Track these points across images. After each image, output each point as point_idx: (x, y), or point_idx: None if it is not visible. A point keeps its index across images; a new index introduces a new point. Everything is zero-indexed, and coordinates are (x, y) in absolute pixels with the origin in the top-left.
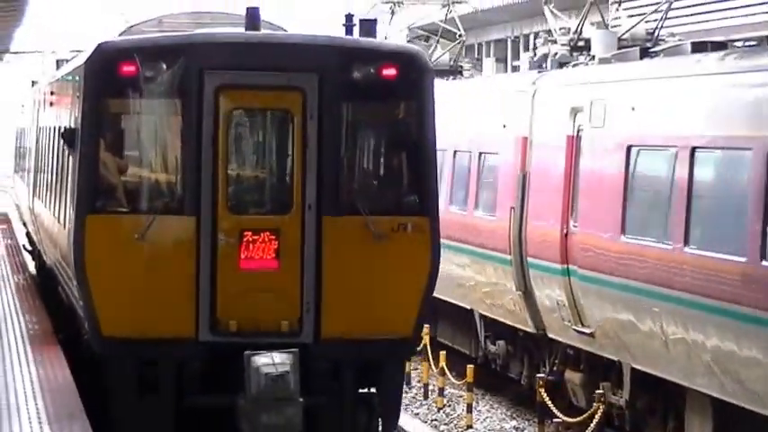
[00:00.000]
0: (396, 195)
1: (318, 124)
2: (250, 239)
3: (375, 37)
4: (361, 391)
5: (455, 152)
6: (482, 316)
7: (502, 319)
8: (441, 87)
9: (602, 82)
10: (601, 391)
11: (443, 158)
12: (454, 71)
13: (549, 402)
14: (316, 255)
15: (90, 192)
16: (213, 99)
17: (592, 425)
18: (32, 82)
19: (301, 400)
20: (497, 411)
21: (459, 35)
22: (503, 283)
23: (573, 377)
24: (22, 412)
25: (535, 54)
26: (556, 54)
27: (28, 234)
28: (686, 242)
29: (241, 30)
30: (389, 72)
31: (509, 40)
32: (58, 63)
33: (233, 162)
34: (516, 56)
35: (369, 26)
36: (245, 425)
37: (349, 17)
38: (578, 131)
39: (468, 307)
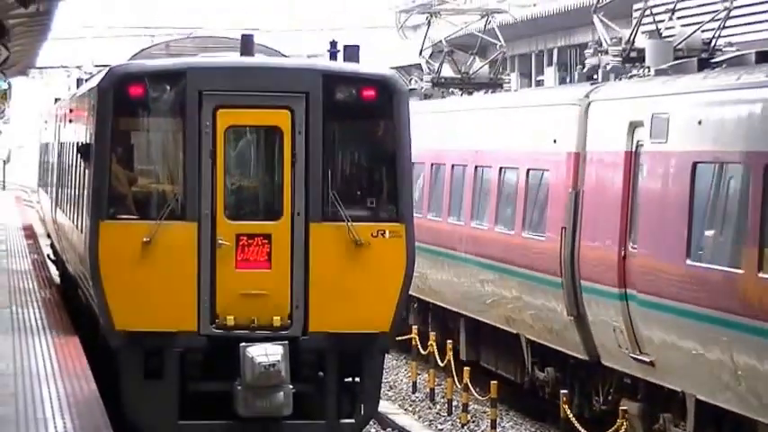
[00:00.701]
0: (374, 204)
1: (305, 140)
2: (245, 243)
3: (358, 62)
4: (345, 380)
5: (501, 169)
6: (529, 341)
7: (551, 345)
8: (481, 101)
9: (665, 95)
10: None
11: (486, 175)
12: (494, 84)
13: (573, 418)
14: (304, 257)
15: (103, 201)
16: (211, 117)
17: None
18: (55, 99)
19: (291, 386)
20: (521, 427)
21: (500, 46)
22: (552, 307)
23: (630, 407)
24: (49, 426)
25: (584, 66)
26: (607, 65)
27: (52, 245)
28: (760, 267)
29: (237, 54)
30: (369, 93)
31: (533, 54)
32: (79, 82)
33: (229, 174)
34: (540, 71)
35: (352, 52)
36: (241, 408)
37: (333, 44)
38: (637, 147)
39: (515, 332)
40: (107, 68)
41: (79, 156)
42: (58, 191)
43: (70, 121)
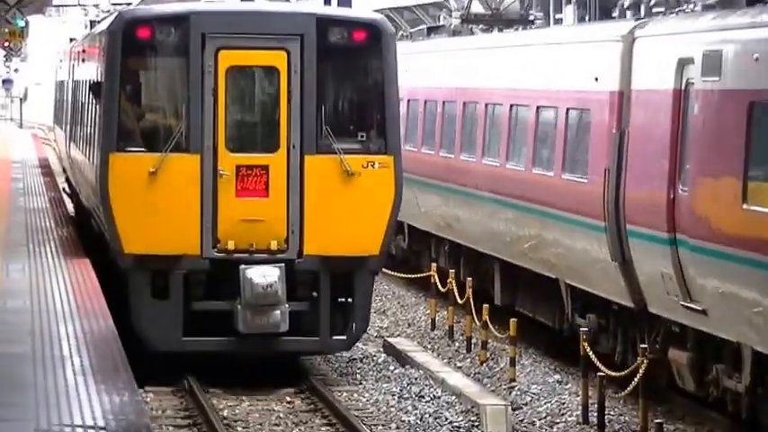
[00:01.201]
0: (365, 138)
1: (300, 79)
2: (244, 174)
3: (350, 7)
4: (338, 300)
5: (538, 108)
6: (569, 287)
7: (593, 291)
8: (516, 37)
9: (718, 29)
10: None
11: (523, 114)
12: (525, 21)
13: (593, 356)
14: (299, 187)
15: (112, 134)
16: (214, 58)
17: (635, 379)
18: (70, 39)
19: (287, 305)
20: (540, 365)
21: None
22: (595, 252)
23: (678, 357)
24: (66, 364)
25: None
26: (650, 0)
27: (67, 179)
28: None
29: (238, 0)
30: (359, 36)
31: None
32: (92, 23)
33: (230, 110)
34: (559, 9)
35: None
36: (241, 325)
37: None
38: (687, 85)
39: (554, 276)
40: (117, 12)
41: (91, 93)
42: (71, 127)
43: (83, 60)
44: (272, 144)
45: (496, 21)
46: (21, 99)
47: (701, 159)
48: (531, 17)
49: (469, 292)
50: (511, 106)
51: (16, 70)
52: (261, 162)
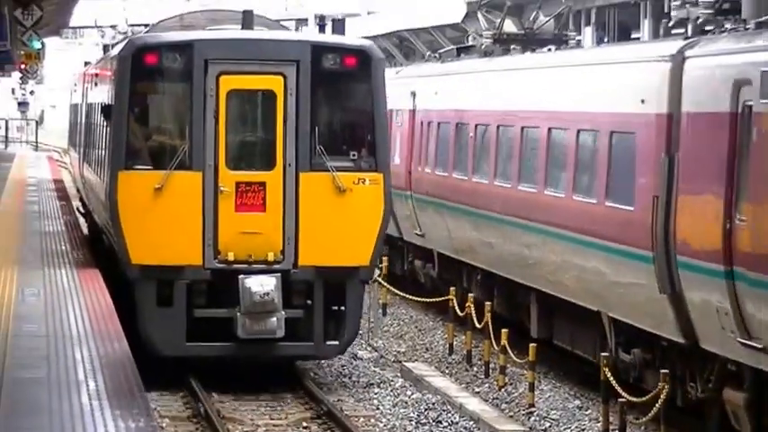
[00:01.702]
0: (356, 156)
1: (296, 101)
2: (243, 190)
3: (343, 34)
4: (331, 308)
5: (578, 131)
6: (612, 320)
7: (639, 325)
8: (553, 57)
9: None
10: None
11: (562, 139)
12: (559, 40)
13: (614, 381)
14: (294, 202)
15: (121, 153)
16: (215, 82)
17: (657, 405)
18: (85, 63)
19: (283, 312)
20: (560, 390)
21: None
22: (642, 284)
23: (734, 397)
24: (81, 388)
25: (670, 19)
26: (698, 19)
27: (81, 198)
28: None
29: (239, 28)
30: (350, 61)
31: (571, 14)
32: (105, 48)
33: (230, 130)
34: (578, 31)
35: (338, 26)
36: (240, 331)
37: (321, 18)
38: (744, 108)
39: (595, 309)
40: (127, 39)
41: (102, 115)
42: (85, 148)
43: (96, 84)
44: (269, 162)
45: (530, 41)
46: (36, 122)
47: (761, 187)
48: (571, 37)
49: (488, 316)
50: (549, 129)
51: (32, 93)
52: (258, 179)
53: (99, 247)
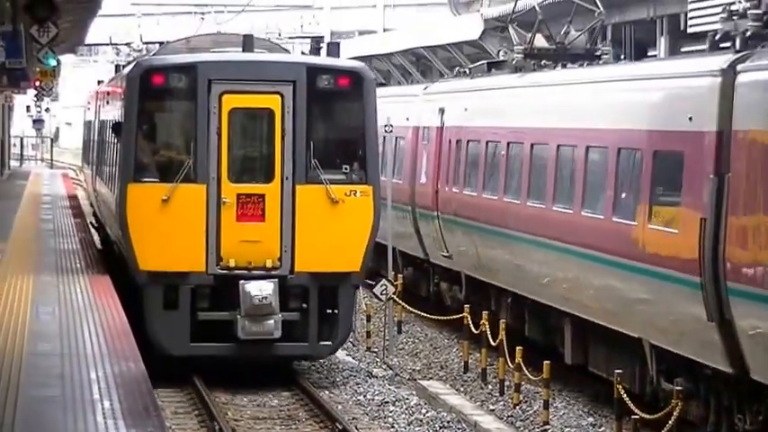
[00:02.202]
0: (348, 170)
1: (293, 119)
2: (244, 201)
3: (338, 56)
4: (325, 311)
5: (618, 150)
6: (654, 347)
7: (683, 353)
8: (590, 73)
9: None
10: None
11: (600, 157)
12: (591, 56)
13: (627, 399)
14: (291, 212)
15: (130, 167)
16: (218, 101)
17: (670, 422)
18: (98, 81)
19: (280, 315)
20: (574, 407)
21: (599, 13)
22: (688, 311)
23: None
24: (96, 407)
25: (715, 33)
26: (746, 32)
27: (94, 213)
28: None
29: (240, 50)
30: (343, 82)
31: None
32: (117, 68)
33: (231, 146)
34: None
35: (333, 48)
36: (240, 332)
37: (317, 40)
38: None
39: (636, 335)
40: (135, 61)
41: (113, 131)
42: (97, 163)
43: (107, 102)
44: (268, 175)
45: (561, 56)
46: (51, 139)
47: None
48: (598, 52)
49: (502, 334)
50: (587, 148)
51: (47, 110)
52: (258, 191)
53: (110, 258)
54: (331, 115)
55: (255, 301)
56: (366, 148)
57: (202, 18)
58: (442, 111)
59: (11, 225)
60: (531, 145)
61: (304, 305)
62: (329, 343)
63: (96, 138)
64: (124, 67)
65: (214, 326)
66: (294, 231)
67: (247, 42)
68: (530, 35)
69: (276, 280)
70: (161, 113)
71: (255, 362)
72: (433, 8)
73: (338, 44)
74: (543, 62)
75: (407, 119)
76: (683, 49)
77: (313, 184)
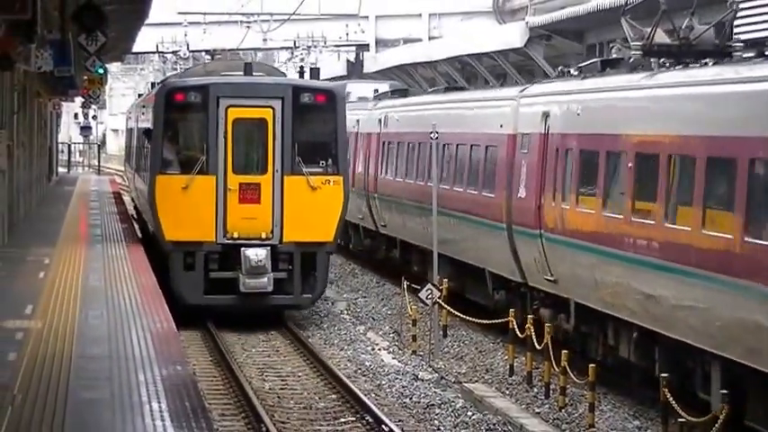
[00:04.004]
0: (324, 164)
1: (282, 126)
2: (244, 188)
3: (318, 79)
4: (306, 271)
5: (752, 162)
6: None
7: None
8: (694, 73)
9: None
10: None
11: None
12: (720, 52)
13: (673, 401)
14: (280, 196)
15: (158, 162)
16: (224, 113)
17: (717, 425)
18: (138, 94)
19: (272, 274)
20: (620, 410)
21: (731, 3)
22: None
23: None
24: (145, 409)
25: None
26: None
27: (135, 207)
28: None
29: (242, 74)
30: (321, 98)
31: (733, 16)
32: (153, 85)
33: (235, 146)
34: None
35: (315, 72)
36: (242, 287)
37: (302, 68)
38: None
39: None
40: (162, 83)
41: (145, 136)
42: (136, 163)
43: (142, 113)
44: (263, 169)
45: (686, 53)
46: (98, 145)
47: None
48: (730, 49)
49: (548, 337)
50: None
51: (95, 117)
52: (255, 180)
53: (146, 238)
54: (311, 123)
55: (253, 263)
56: (338, 148)
57: (248, 27)
58: (545, 115)
59: (59, 230)
60: (670, 157)
61: (290, 267)
62: (309, 295)
63: (135, 143)
64: (155, 85)
65: (222, 282)
66: (282, 211)
67: (247, 68)
68: (648, 29)
69: (269, 247)
70: (181, 122)
71: (253, 310)
72: (477, 17)
73: (318, 69)
74: (662, 60)
75: (501, 125)
76: None
77: (297, 175)
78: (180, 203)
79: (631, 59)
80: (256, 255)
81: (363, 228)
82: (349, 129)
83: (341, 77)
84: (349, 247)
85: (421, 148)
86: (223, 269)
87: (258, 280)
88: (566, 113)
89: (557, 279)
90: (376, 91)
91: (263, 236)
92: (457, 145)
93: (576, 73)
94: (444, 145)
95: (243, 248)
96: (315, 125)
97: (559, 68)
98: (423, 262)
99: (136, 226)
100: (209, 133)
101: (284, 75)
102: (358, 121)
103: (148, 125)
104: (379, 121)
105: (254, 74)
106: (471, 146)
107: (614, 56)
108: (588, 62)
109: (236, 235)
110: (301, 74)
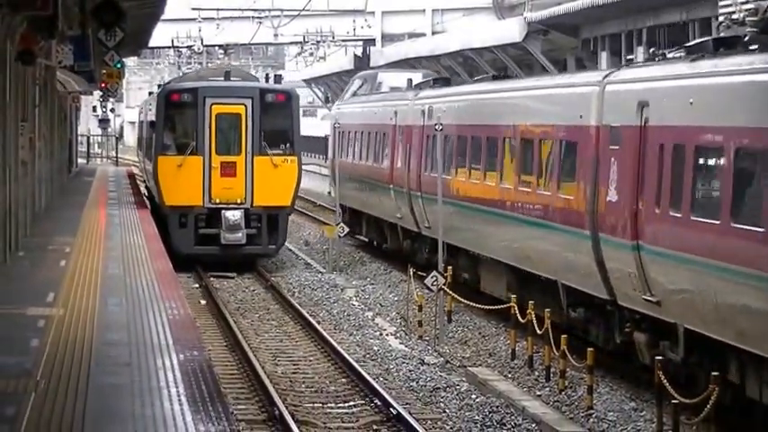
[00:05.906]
0: (284, 148)
1: (251, 119)
2: (224, 165)
3: (281, 83)
4: (270, 229)
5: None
6: None
7: None
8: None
9: None
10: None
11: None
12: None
13: (667, 384)
14: (251, 172)
15: (159, 146)
16: (209, 109)
17: (708, 407)
18: (149, 93)
19: (245, 230)
20: (617, 393)
21: None
22: None
23: None
24: (163, 394)
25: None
26: None
27: (147, 188)
28: None
29: (223, 79)
30: (280, 98)
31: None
32: (159, 86)
33: (217, 134)
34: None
35: (278, 77)
36: (222, 240)
37: (267, 75)
38: None
39: None
40: (162, 86)
41: (150, 126)
42: (145, 148)
43: (150, 109)
44: (238, 150)
45: None
46: (116, 138)
47: None
48: None
49: (548, 323)
50: None
51: (112, 110)
52: (232, 160)
53: (153, 206)
54: (273, 117)
55: (231, 222)
56: (294, 135)
57: (260, 22)
58: (642, 105)
59: (79, 219)
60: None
61: (259, 225)
62: (274, 246)
63: (145, 134)
64: (159, 86)
65: (208, 237)
66: (253, 182)
67: (227, 75)
68: (764, 2)
69: (243, 210)
70: (177, 116)
71: (231, 257)
72: (478, 12)
73: (281, 75)
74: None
75: (581, 116)
76: None
77: (263, 155)
78: (176, 177)
79: (746, 38)
80: (233, 216)
81: (402, 228)
82: (385, 121)
83: (347, 72)
84: (382, 247)
85: (473, 142)
86: (208, 227)
87: (235, 234)
88: (671, 103)
89: (659, 300)
90: (410, 81)
91: (239, 201)
92: (522, 139)
93: (678, 55)
94: (504, 138)
95: (223, 211)
96: (276, 118)
97: (651, 50)
98: (473, 268)
99: (151, 219)
100: (198, 124)
101: (257, 79)
102: (396, 113)
103: (153, 118)
104: (423, 112)
105: (231, 79)
106: (540, 140)
107: (722, 34)
108: (698, 41)
109: (218, 201)
110: (267, 79)
